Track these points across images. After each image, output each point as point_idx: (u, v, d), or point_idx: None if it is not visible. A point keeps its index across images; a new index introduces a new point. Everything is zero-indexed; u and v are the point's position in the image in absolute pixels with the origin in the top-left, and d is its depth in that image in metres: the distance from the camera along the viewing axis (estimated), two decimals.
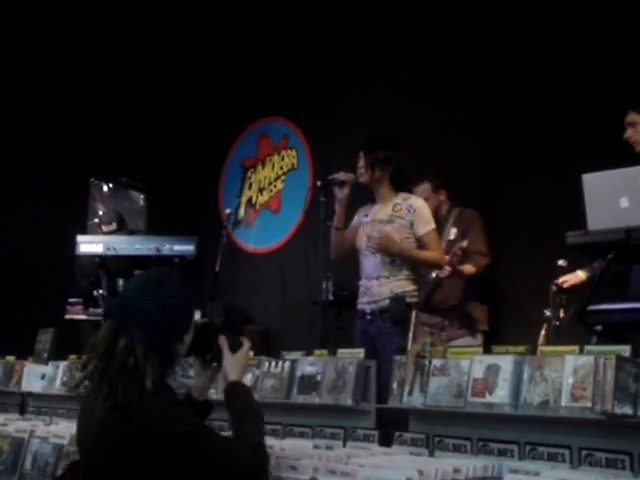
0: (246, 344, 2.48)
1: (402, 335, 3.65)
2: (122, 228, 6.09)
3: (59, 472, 2.94)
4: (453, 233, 5.05)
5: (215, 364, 2.46)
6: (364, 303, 4.21)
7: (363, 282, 4.27)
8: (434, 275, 4.65)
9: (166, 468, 2.05)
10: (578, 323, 3.54)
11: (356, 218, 4.47)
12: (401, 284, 4.13)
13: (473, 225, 5.16)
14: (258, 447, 2.19)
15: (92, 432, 2.13)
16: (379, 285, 4.14)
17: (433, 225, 4.29)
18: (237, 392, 2.39)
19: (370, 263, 4.22)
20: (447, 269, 4.64)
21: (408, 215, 4.22)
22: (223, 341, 2.43)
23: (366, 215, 4.39)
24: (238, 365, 2.43)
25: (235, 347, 2.45)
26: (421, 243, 4.23)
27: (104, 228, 6.13)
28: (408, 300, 4.06)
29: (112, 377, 2.07)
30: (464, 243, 4.76)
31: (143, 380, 2.06)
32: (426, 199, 5.08)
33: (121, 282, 5.68)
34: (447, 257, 4.62)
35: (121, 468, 2.07)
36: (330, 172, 4.38)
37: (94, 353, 2.15)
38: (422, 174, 5.29)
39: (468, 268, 4.93)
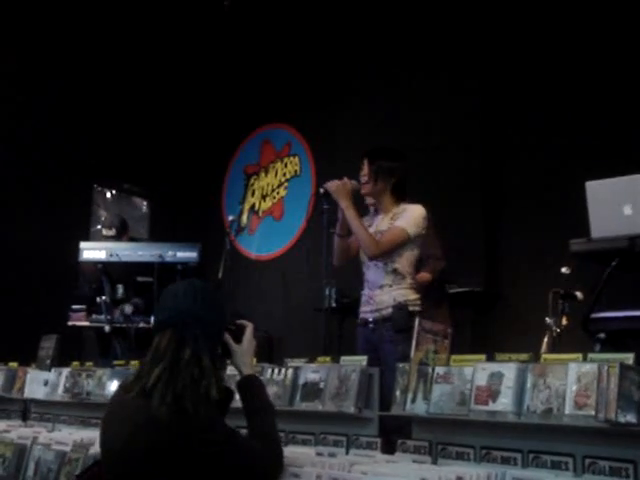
0: (248, 329, 2.48)
1: (405, 343, 3.64)
2: (123, 234, 6.09)
3: (77, 472, 2.93)
4: None
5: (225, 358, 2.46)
6: (366, 312, 4.20)
7: (366, 292, 4.25)
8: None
9: (196, 472, 2.12)
10: (581, 331, 3.54)
11: None
12: (404, 292, 4.11)
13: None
14: (276, 446, 2.29)
15: (129, 434, 2.17)
16: (382, 294, 4.13)
17: (409, 228, 4.09)
18: (250, 387, 2.41)
19: (373, 273, 4.21)
20: None
21: (399, 214, 4.19)
22: (226, 335, 2.42)
23: (369, 225, 4.37)
24: (246, 354, 2.44)
25: (239, 335, 2.44)
26: (385, 231, 4.17)
27: (104, 232, 6.14)
28: (411, 309, 4.04)
29: (177, 387, 2.14)
30: None
31: (208, 390, 2.16)
32: None
33: (121, 289, 5.67)
34: None
35: (154, 468, 2.13)
36: (333, 179, 4.38)
37: (157, 364, 2.20)
38: (429, 180, 5.27)
39: (423, 276, 4.82)
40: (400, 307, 4.03)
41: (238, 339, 2.44)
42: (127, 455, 2.17)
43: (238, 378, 2.49)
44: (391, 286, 4.12)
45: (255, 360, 3.11)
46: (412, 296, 4.13)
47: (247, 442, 2.26)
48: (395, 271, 4.13)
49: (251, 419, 2.35)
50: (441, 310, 5.12)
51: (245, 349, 2.44)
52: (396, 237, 4.11)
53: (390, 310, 4.06)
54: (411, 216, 4.16)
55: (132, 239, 6.29)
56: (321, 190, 4.32)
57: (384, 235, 4.10)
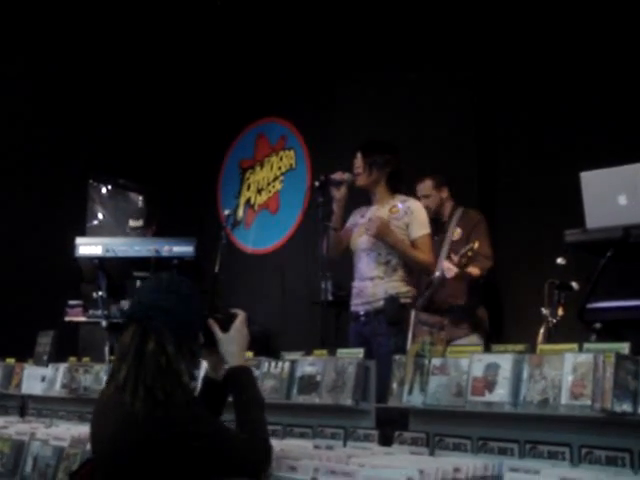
0: (239, 317, 2.40)
1: (397, 335, 3.67)
2: (149, 227, 6.06)
3: (75, 467, 2.93)
4: (457, 233, 5.00)
5: (212, 347, 2.38)
6: (358, 304, 4.21)
7: (357, 283, 4.26)
8: (437, 274, 4.55)
9: (183, 466, 2.10)
10: (577, 321, 3.54)
11: (351, 219, 4.45)
12: (395, 285, 4.12)
13: (478, 227, 5.10)
14: (264, 441, 2.25)
15: (116, 431, 2.16)
16: (373, 286, 4.14)
17: (428, 230, 4.26)
18: (237, 379, 2.35)
19: (364, 264, 4.22)
20: (454, 270, 4.55)
21: (405, 217, 4.21)
22: (212, 324, 2.36)
23: (362, 216, 4.39)
24: (233, 343, 2.36)
25: (227, 324, 2.37)
26: (414, 245, 4.22)
27: (131, 223, 6.13)
28: (402, 301, 4.06)
29: (147, 378, 2.12)
30: (475, 245, 4.67)
31: (178, 377, 2.14)
32: (428, 196, 5.08)
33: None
34: (455, 257, 4.55)
35: (142, 464, 2.12)
36: (328, 172, 4.39)
37: (123, 360, 2.18)
38: (424, 172, 5.30)
39: (473, 270, 4.88)
40: (392, 299, 4.04)
41: (226, 328, 2.37)
42: (115, 452, 2.17)
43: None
44: (382, 278, 4.14)
45: (252, 353, 3.12)
46: (404, 288, 4.15)
47: (234, 435, 2.23)
48: (387, 262, 4.14)
49: (238, 412, 2.30)
50: (484, 309, 5.15)
51: (232, 338, 2.36)
52: (430, 244, 4.30)
53: (382, 303, 4.07)
54: (421, 217, 4.24)
55: (157, 234, 6.23)
56: (316, 183, 4.33)
57: (423, 248, 4.23)
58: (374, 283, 4.14)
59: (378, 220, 4.16)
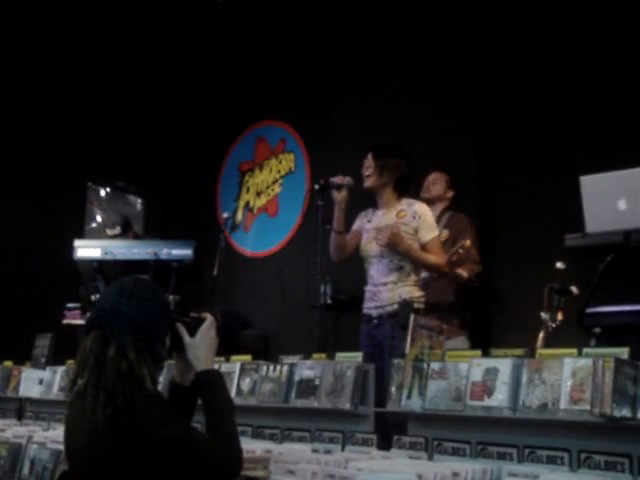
0: (206, 322, 2.36)
1: None
2: (127, 232, 6.08)
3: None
4: (445, 235, 5.03)
5: (179, 351, 2.34)
6: (370, 308, 4.23)
7: (369, 288, 4.27)
8: (424, 274, 4.58)
9: (155, 470, 2.08)
10: (577, 326, 3.54)
11: (357, 222, 4.46)
12: (409, 290, 4.15)
13: (466, 230, 5.14)
14: (235, 444, 2.20)
15: (84, 440, 2.14)
16: (387, 290, 4.16)
17: (437, 232, 4.33)
18: (206, 383, 2.31)
19: (377, 269, 4.23)
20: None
21: (413, 222, 4.22)
22: (180, 328, 2.32)
23: (369, 221, 4.39)
24: (200, 348, 2.32)
25: (196, 328, 2.34)
26: (425, 249, 4.24)
27: (108, 232, 6.13)
28: (416, 306, 4.06)
29: (108, 384, 2.08)
30: (467, 242, 4.74)
31: (140, 382, 2.11)
32: (436, 182, 5.25)
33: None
34: (445, 256, 4.59)
35: (113, 471, 2.09)
36: (328, 175, 4.38)
37: (84, 366, 2.16)
38: (424, 176, 5.35)
39: (461, 272, 4.95)
40: (406, 303, 4.05)
41: (194, 332, 2.33)
42: (85, 462, 2.15)
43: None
44: (396, 283, 4.16)
45: (250, 356, 3.10)
46: (417, 293, 4.18)
47: (204, 439, 2.19)
48: (400, 268, 4.16)
49: (208, 416, 2.26)
50: (465, 314, 5.19)
51: (198, 342, 2.32)
52: (440, 245, 4.39)
53: (395, 307, 4.08)
54: (429, 219, 4.29)
55: (136, 236, 6.26)
56: (316, 186, 4.32)
57: (434, 250, 4.27)
58: (388, 288, 4.18)
59: (388, 230, 4.16)
